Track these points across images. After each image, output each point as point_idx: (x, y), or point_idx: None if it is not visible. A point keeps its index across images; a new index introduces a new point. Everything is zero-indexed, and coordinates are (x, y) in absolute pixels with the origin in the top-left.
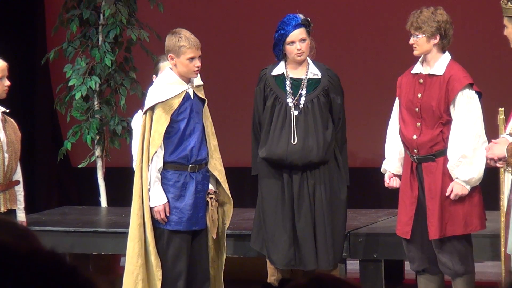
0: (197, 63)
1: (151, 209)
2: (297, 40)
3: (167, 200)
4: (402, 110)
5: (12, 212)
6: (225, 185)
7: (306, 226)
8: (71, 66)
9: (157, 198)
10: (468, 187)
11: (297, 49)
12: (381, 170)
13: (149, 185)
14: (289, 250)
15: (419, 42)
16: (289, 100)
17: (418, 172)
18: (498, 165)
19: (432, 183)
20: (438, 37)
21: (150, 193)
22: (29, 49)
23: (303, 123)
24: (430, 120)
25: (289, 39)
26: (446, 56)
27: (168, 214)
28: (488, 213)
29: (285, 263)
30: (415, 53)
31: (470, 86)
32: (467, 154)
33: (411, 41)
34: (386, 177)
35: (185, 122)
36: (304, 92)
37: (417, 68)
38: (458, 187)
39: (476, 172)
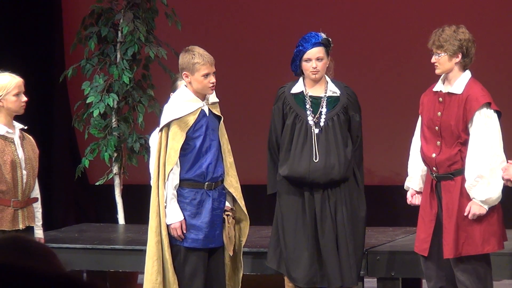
0: (212, 79)
1: (167, 226)
2: (314, 58)
3: (183, 217)
4: (424, 128)
5: (30, 229)
6: (241, 202)
7: (329, 244)
8: (89, 84)
9: (174, 215)
10: (486, 207)
11: (313, 67)
12: (404, 187)
13: (165, 202)
14: (310, 268)
15: (441, 60)
16: (310, 118)
17: (437, 190)
18: None
19: (450, 201)
20: (460, 56)
21: (167, 210)
22: (48, 66)
23: (324, 141)
24: (449, 139)
25: (306, 56)
26: (466, 75)
27: (184, 231)
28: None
29: (306, 281)
30: (437, 71)
31: (488, 105)
32: (484, 174)
33: (432, 60)
34: (408, 195)
35: (201, 139)
36: (324, 110)
37: (438, 86)
38: (476, 207)
39: (494, 192)
